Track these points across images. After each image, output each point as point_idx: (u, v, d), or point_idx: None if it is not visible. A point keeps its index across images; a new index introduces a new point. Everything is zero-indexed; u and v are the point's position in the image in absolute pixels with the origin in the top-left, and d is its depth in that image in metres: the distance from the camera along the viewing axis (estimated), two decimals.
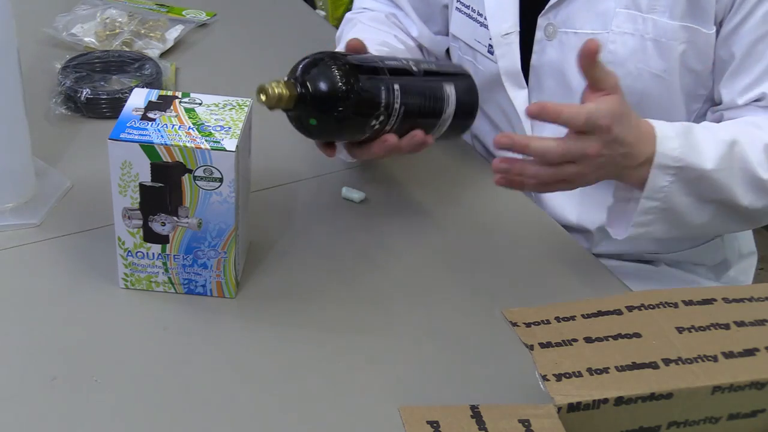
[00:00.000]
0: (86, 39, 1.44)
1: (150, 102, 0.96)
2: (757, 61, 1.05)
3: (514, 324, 0.73)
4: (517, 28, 1.15)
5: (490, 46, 1.17)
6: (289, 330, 0.96)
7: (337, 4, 2.63)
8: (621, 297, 0.76)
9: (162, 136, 0.91)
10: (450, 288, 1.03)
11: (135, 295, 0.98)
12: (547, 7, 1.12)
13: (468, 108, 1.06)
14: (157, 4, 1.59)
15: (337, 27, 1.36)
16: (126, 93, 1.24)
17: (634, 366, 0.69)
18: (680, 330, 0.73)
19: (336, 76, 0.91)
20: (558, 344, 0.71)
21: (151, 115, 0.93)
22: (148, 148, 0.90)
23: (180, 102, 0.96)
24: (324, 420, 0.86)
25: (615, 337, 0.72)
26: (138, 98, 0.96)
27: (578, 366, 0.69)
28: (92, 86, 1.28)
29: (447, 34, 1.30)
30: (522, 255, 1.09)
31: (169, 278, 0.97)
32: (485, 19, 1.17)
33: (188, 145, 0.90)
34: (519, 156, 0.95)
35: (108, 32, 1.46)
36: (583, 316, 0.74)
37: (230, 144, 0.91)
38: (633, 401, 0.67)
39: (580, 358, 0.70)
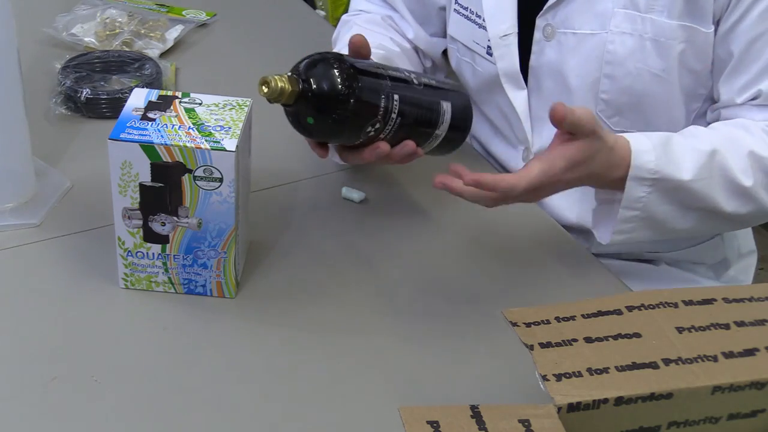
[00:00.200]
0: (86, 39, 1.44)
1: (150, 102, 0.96)
2: (755, 60, 1.05)
3: (514, 324, 0.73)
4: (516, 30, 1.15)
5: (489, 47, 1.17)
6: (289, 330, 0.96)
7: (337, 4, 2.64)
8: (621, 297, 0.76)
9: (162, 136, 0.91)
10: (450, 288, 1.03)
11: (135, 295, 0.98)
12: (545, 7, 1.12)
13: (461, 125, 1.05)
14: (157, 4, 1.59)
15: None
16: (126, 93, 1.24)
17: (634, 366, 0.69)
18: (680, 330, 0.73)
19: (339, 77, 0.91)
20: (558, 344, 0.71)
21: (151, 115, 0.93)
22: (148, 148, 0.90)
23: (180, 102, 0.96)
24: (324, 420, 0.86)
25: (615, 337, 0.72)
26: (138, 98, 0.96)
27: (578, 366, 0.69)
28: (92, 86, 1.28)
29: (443, 36, 1.29)
30: (522, 255, 1.09)
31: (169, 278, 0.98)
32: (483, 20, 1.17)
33: (188, 145, 0.90)
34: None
35: (108, 32, 1.46)
36: (583, 316, 0.74)
37: (230, 144, 0.91)
38: (633, 401, 0.67)
39: (580, 358, 0.70)
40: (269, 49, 1.51)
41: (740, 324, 0.74)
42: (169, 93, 0.97)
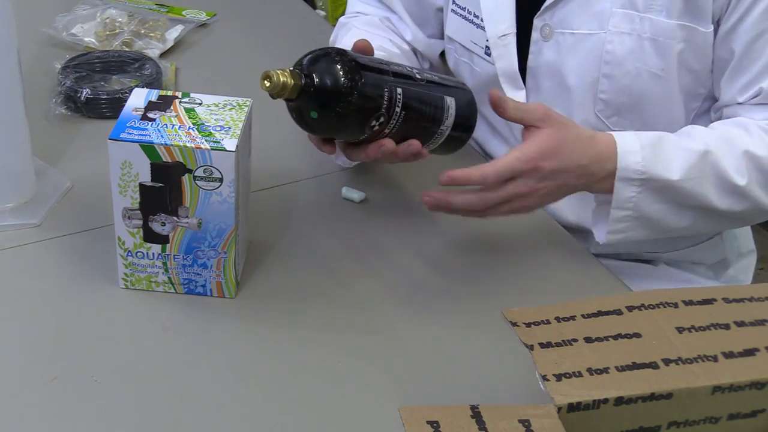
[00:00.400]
0: (86, 39, 1.44)
1: (150, 102, 0.96)
2: (756, 59, 1.05)
3: (514, 324, 0.73)
4: (514, 30, 1.15)
5: (487, 47, 1.17)
6: (289, 330, 0.96)
7: (337, 4, 2.63)
8: (621, 297, 0.76)
9: (162, 136, 0.91)
10: (450, 288, 1.03)
11: (135, 295, 0.98)
12: (542, 8, 1.12)
13: (466, 122, 1.05)
14: (157, 4, 1.59)
15: None
16: (126, 93, 1.24)
17: (634, 366, 0.69)
18: (680, 330, 0.73)
19: (342, 71, 0.91)
20: (558, 344, 0.71)
21: (151, 115, 0.93)
22: (148, 148, 0.90)
23: (180, 102, 0.96)
24: (324, 420, 0.86)
25: (615, 337, 0.72)
26: (138, 98, 0.96)
27: (578, 366, 0.69)
28: (92, 86, 1.28)
29: (441, 37, 1.29)
30: (522, 255, 1.09)
31: (169, 278, 0.98)
32: (481, 20, 1.17)
33: (188, 145, 0.90)
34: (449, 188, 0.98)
35: (108, 32, 1.46)
36: (583, 316, 0.74)
37: (230, 144, 0.91)
38: (633, 401, 0.67)
39: (580, 358, 0.70)
40: (269, 49, 1.51)
41: (740, 324, 0.74)
42: (169, 93, 0.97)
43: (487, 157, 1.29)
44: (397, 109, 0.94)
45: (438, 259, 1.07)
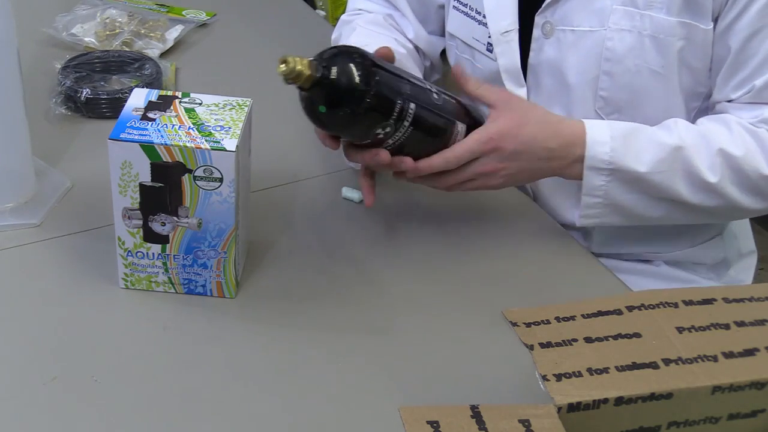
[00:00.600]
0: (86, 39, 1.44)
1: (150, 102, 0.96)
2: (752, 56, 1.05)
3: (514, 324, 0.73)
4: (517, 26, 1.15)
5: (489, 44, 1.17)
6: (289, 330, 0.96)
7: (337, 4, 2.63)
8: (621, 297, 0.76)
9: (162, 136, 0.91)
10: (450, 288, 1.03)
11: (135, 295, 0.98)
12: (544, 5, 1.12)
13: None
14: (157, 4, 1.59)
15: None
16: (126, 93, 1.24)
17: (634, 366, 0.69)
18: (680, 330, 0.73)
19: (359, 73, 0.90)
20: (558, 344, 0.71)
21: (151, 115, 0.93)
22: (148, 148, 0.90)
23: (180, 102, 0.96)
24: (324, 420, 0.86)
25: (615, 337, 0.72)
26: (138, 98, 0.96)
27: (578, 366, 0.69)
28: (92, 86, 1.28)
29: (442, 35, 1.29)
30: (522, 255, 1.09)
31: (169, 278, 0.98)
32: (484, 17, 1.17)
33: (188, 145, 0.90)
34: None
35: (108, 32, 1.46)
36: (583, 316, 0.74)
37: (230, 144, 0.91)
38: (633, 401, 0.67)
39: (580, 358, 0.70)
40: (269, 49, 1.51)
41: (740, 324, 0.74)
42: (169, 93, 0.97)
43: None
44: (406, 123, 0.94)
45: (438, 258, 1.07)
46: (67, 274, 1.01)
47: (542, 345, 0.71)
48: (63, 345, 0.92)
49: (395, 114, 0.93)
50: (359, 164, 1.09)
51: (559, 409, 0.66)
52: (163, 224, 0.94)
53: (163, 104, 0.95)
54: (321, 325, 0.97)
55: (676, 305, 0.75)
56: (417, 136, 0.97)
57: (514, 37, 1.15)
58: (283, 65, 0.89)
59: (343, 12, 1.37)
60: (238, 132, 0.92)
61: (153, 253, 0.96)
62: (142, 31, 1.48)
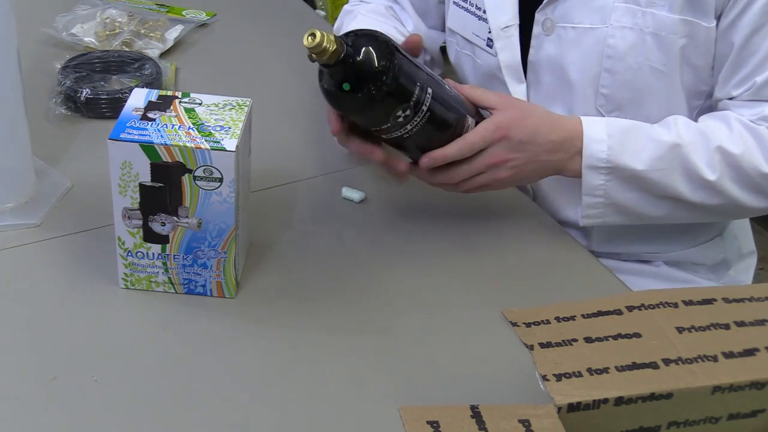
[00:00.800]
0: (86, 39, 1.44)
1: (150, 102, 0.96)
2: (754, 53, 1.05)
3: (514, 324, 0.73)
4: (517, 21, 1.15)
5: (489, 39, 1.17)
6: (289, 330, 0.96)
7: (337, 4, 2.64)
8: (621, 297, 0.76)
9: (162, 136, 0.91)
10: (450, 288, 1.03)
11: (135, 295, 0.98)
12: (545, 1, 1.12)
13: None
14: (157, 4, 1.59)
15: None
16: (126, 93, 1.24)
17: (634, 366, 0.69)
18: (680, 330, 0.73)
19: (385, 53, 0.92)
20: (558, 344, 0.71)
21: (151, 115, 0.93)
22: (148, 148, 0.90)
23: (180, 102, 0.96)
24: (324, 420, 0.86)
25: (615, 337, 0.72)
26: (138, 98, 0.96)
27: (578, 366, 0.69)
28: (92, 86, 1.29)
29: (441, 29, 1.30)
30: (522, 255, 1.09)
31: (169, 278, 0.98)
32: (484, 12, 1.17)
33: (188, 145, 0.90)
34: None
35: (108, 32, 1.46)
36: (583, 316, 0.74)
37: (230, 144, 0.91)
38: (633, 401, 0.67)
39: (580, 358, 0.70)
40: (269, 49, 1.51)
41: (740, 324, 0.74)
42: (169, 93, 0.98)
43: None
44: (424, 108, 0.95)
45: (438, 258, 1.07)
46: (67, 274, 1.01)
47: (542, 345, 0.71)
48: (63, 345, 0.92)
49: (416, 95, 0.94)
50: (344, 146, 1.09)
51: (559, 409, 0.66)
52: (163, 224, 0.94)
53: (163, 104, 0.95)
54: (321, 325, 0.97)
55: (676, 305, 0.75)
56: (432, 125, 0.97)
57: (515, 32, 1.15)
58: (311, 37, 0.88)
59: None
60: (238, 132, 0.92)
61: (153, 253, 0.96)
62: (142, 31, 1.48)
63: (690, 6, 1.06)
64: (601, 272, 1.08)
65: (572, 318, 0.74)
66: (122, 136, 0.91)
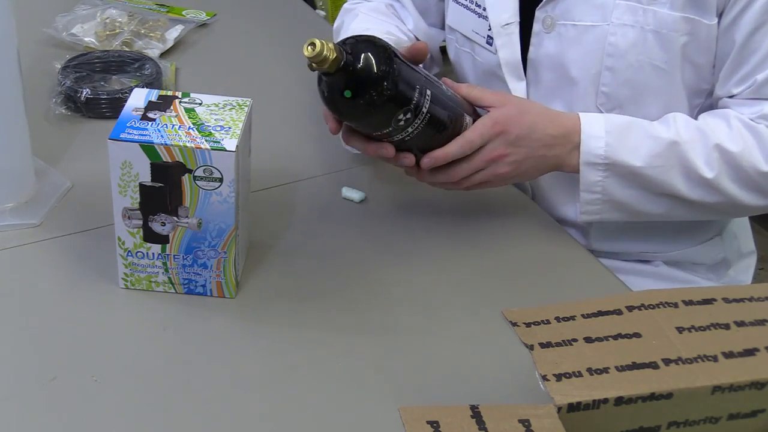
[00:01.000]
0: (86, 39, 1.44)
1: (150, 102, 0.96)
2: (755, 51, 1.05)
3: (514, 324, 0.73)
4: (517, 19, 1.15)
5: (489, 37, 1.17)
6: (289, 330, 0.96)
7: (337, 4, 2.64)
8: (621, 297, 0.76)
9: (162, 136, 0.91)
10: (450, 288, 1.03)
11: (135, 295, 0.98)
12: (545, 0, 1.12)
13: None
14: (157, 4, 1.59)
15: None
16: (126, 93, 1.24)
17: (634, 366, 0.69)
18: (680, 330, 0.73)
19: (384, 56, 0.92)
20: (558, 344, 0.71)
21: (151, 115, 0.93)
22: (148, 148, 0.90)
23: (180, 102, 0.96)
24: (324, 420, 0.86)
25: (615, 337, 0.72)
26: (138, 98, 0.96)
27: (578, 366, 0.69)
28: (92, 86, 1.29)
29: (442, 27, 1.30)
30: (522, 255, 1.09)
31: (169, 278, 0.98)
32: (483, 10, 1.17)
33: (188, 145, 0.90)
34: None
35: (108, 32, 1.46)
36: (583, 316, 0.74)
37: (230, 144, 0.91)
38: (633, 401, 0.67)
39: (580, 358, 0.70)
40: (269, 49, 1.52)
41: (740, 324, 0.74)
42: (169, 93, 0.98)
43: None
44: (424, 110, 0.95)
45: (438, 258, 1.07)
46: (67, 274, 1.01)
47: (542, 345, 0.71)
48: (63, 345, 0.92)
49: (415, 100, 0.94)
50: (356, 150, 1.09)
51: (559, 409, 0.66)
52: (163, 224, 0.94)
53: (163, 104, 0.95)
54: (321, 325, 0.97)
55: (676, 305, 0.75)
56: (432, 126, 0.98)
57: (515, 29, 1.15)
58: (311, 47, 0.89)
59: None
60: (238, 132, 0.92)
61: (153, 253, 0.96)
62: (142, 31, 1.48)
63: (691, 3, 1.05)
64: (601, 272, 1.08)
65: (572, 318, 0.74)
66: (122, 136, 0.91)
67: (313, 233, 1.10)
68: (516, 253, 1.09)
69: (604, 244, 1.21)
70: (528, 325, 0.73)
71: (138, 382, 0.89)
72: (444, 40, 1.31)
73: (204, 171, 0.91)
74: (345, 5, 1.33)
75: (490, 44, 1.17)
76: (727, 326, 0.73)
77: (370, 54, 0.92)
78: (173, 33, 1.49)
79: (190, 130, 0.92)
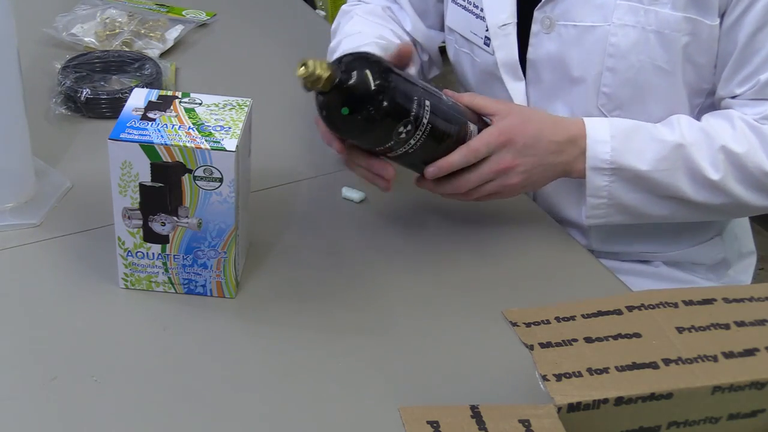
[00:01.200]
0: (86, 39, 1.44)
1: (150, 102, 0.96)
2: (757, 51, 1.05)
3: (514, 324, 0.73)
4: (515, 20, 1.15)
5: (486, 38, 1.17)
6: (289, 330, 0.96)
7: (336, 3, 2.64)
8: (621, 297, 0.76)
9: (162, 136, 0.91)
10: (450, 288, 1.03)
11: (135, 295, 0.98)
12: (543, 0, 1.12)
13: None
14: (157, 4, 1.59)
15: None
16: (126, 93, 1.24)
17: (634, 366, 0.69)
18: (680, 330, 0.73)
19: (378, 71, 0.92)
20: (558, 344, 0.71)
21: (151, 115, 0.93)
22: (148, 148, 0.90)
23: (180, 102, 0.96)
24: (324, 420, 0.86)
25: (615, 337, 0.72)
26: (138, 98, 0.96)
27: (578, 366, 0.69)
28: (92, 86, 1.29)
29: (440, 29, 1.30)
30: (522, 255, 1.09)
31: (169, 278, 0.98)
32: (481, 10, 1.17)
33: (188, 145, 0.90)
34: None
35: (108, 32, 1.46)
36: (583, 316, 0.74)
37: (230, 144, 0.91)
38: (633, 401, 0.67)
39: (580, 358, 0.70)
40: (269, 49, 1.51)
41: (740, 324, 0.74)
42: (169, 93, 0.98)
43: None
44: (425, 121, 0.95)
45: (438, 259, 1.07)
46: (67, 274, 1.01)
47: (542, 345, 0.71)
48: (63, 345, 0.92)
49: (414, 109, 0.94)
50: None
51: (559, 409, 0.66)
52: (163, 224, 0.94)
53: (163, 104, 0.95)
54: (321, 325, 0.97)
55: (676, 305, 0.75)
56: (434, 137, 0.97)
57: (512, 30, 1.15)
58: (303, 68, 0.88)
59: None
60: (238, 132, 0.92)
61: (153, 253, 0.96)
62: (142, 31, 1.48)
63: (693, 3, 1.05)
64: (601, 272, 1.08)
65: (572, 318, 0.74)
66: (122, 136, 0.91)
67: (313, 233, 1.10)
68: (516, 253, 1.09)
69: (604, 245, 1.22)
70: (528, 325, 0.73)
71: (138, 382, 0.89)
72: (443, 42, 1.31)
73: (204, 171, 0.91)
74: (343, 7, 1.33)
75: (488, 45, 1.17)
76: (727, 326, 0.73)
77: (363, 69, 0.91)
78: (173, 33, 1.49)
79: (190, 130, 0.92)
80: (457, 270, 1.06)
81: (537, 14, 1.13)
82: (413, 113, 0.94)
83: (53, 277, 1.01)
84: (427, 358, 0.93)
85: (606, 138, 1.05)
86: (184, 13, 1.57)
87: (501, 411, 0.66)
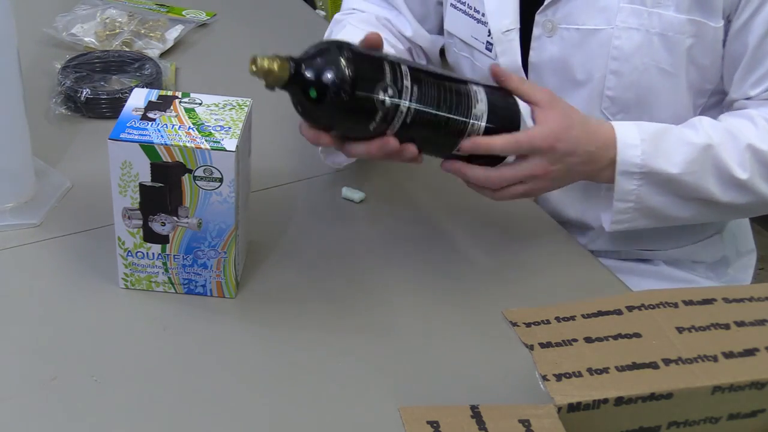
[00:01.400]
0: (86, 39, 1.44)
1: (150, 102, 0.96)
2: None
3: (514, 324, 0.73)
4: (518, 25, 1.14)
5: (488, 43, 1.17)
6: (289, 330, 0.96)
7: (336, 4, 2.63)
8: (621, 297, 0.76)
9: (162, 136, 0.91)
10: (450, 288, 1.03)
11: (135, 295, 0.98)
12: (545, 4, 1.11)
13: (506, 112, 0.98)
14: (157, 4, 1.59)
15: None
16: (126, 93, 1.24)
17: (634, 366, 0.69)
18: (680, 330, 0.73)
19: (336, 45, 0.88)
20: (558, 344, 0.71)
21: (151, 115, 0.93)
22: (148, 148, 0.90)
23: (180, 102, 0.96)
24: (324, 420, 0.86)
25: (615, 337, 0.72)
26: (138, 98, 0.96)
27: (578, 366, 0.69)
28: (92, 86, 1.28)
29: (440, 33, 1.29)
30: (522, 255, 1.09)
31: (169, 278, 0.98)
32: (483, 15, 1.16)
33: (188, 145, 0.90)
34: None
35: (108, 32, 1.46)
36: (583, 316, 0.74)
37: (230, 144, 0.91)
38: (633, 401, 0.67)
39: (580, 358, 0.70)
40: (269, 49, 1.50)
41: (740, 324, 0.74)
42: (169, 93, 0.98)
43: None
44: (406, 82, 0.89)
45: (438, 258, 1.07)
46: (67, 274, 1.01)
47: (542, 345, 0.71)
48: (63, 345, 0.92)
49: (388, 75, 0.88)
50: (341, 164, 1.08)
51: (559, 409, 0.66)
52: (163, 224, 0.94)
53: (163, 104, 0.95)
54: (321, 325, 0.97)
55: (676, 305, 0.75)
56: (428, 100, 0.91)
57: (515, 36, 1.15)
58: (253, 66, 0.86)
59: None
60: (238, 132, 0.92)
61: (153, 253, 0.96)
62: (142, 31, 1.48)
63: (697, 6, 1.05)
64: (601, 272, 1.08)
65: (572, 318, 0.74)
66: (122, 136, 0.91)
67: (313, 233, 1.10)
68: (516, 252, 1.09)
69: (604, 244, 1.21)
70: (528, 325, 0.73)
71: (138, 382, 0.89)
72: (443, 45, 1.30)
73: (204, 171, 0.91)
74: (336, 15, 1.30)
75: (489, 50, 1.17)
76: (727, 326, 0.74)
77: (318, 49, 0.88)
78: (173, 33, 1.49)
79: (190, 130, 0.92)
80: (457, 270, 1.06)
81: (539, 18, 1.12)
82: (388, 76, 0.88)
83: (53, 277, 1.01)
84: (427, 359, 0.93)
85: (636, 141, 1.02)
86: (184, 13, 1.57)
87: (501, 411, 0.66)
